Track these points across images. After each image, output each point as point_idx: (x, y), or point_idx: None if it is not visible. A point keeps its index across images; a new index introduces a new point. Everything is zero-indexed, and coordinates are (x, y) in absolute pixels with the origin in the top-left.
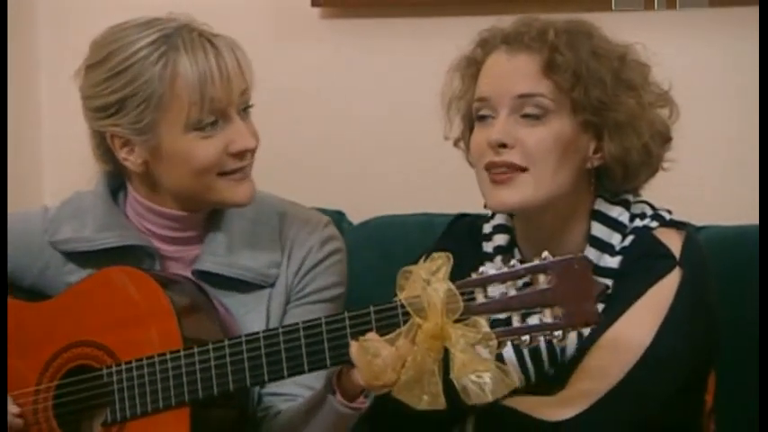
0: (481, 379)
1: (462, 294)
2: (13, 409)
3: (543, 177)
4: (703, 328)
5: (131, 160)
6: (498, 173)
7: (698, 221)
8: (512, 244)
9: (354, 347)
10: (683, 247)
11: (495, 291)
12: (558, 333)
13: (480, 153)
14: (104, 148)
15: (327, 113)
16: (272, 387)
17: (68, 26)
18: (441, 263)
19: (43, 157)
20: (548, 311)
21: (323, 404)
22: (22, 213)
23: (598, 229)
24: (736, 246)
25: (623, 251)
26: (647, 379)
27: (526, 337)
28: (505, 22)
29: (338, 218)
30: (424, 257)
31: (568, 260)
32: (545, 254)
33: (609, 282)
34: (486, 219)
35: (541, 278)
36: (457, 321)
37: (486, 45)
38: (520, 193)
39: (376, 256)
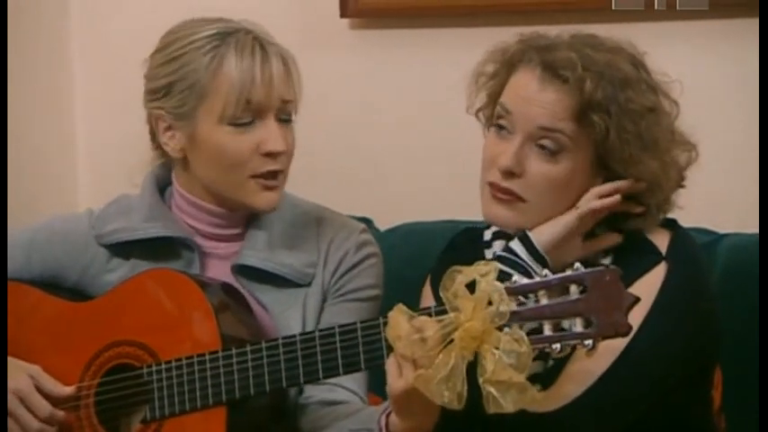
0: (506, 391)
1: None
2: (64, 390)
3: (540, 210)
4: (695, 322)
5: (171, 145)
6: (498, 192)
7: (722, 229)
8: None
9: (389, 323)
10: (670, 244)
11: (527, 300)
12: (589, 342)
13: (488, 165)
14: (155, 133)
15: (356, 122)
16: None
17: (102, 27)
18: (490, 268)
19: (78, 159)
20: (579, 321)
21: None
22: (66, 215)
23: (599, 230)
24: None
25: (615, 250)
26: (628, 372)
27: (557, 346)
28: (544, 30)
29: (365, 224)
30: (430, 274)
31: (600, 271)
32: (577, 264)
33: None
34: (488, 225)
35: (573, 288)
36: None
37: (524, 54)
38: (514, 217)
39: (402, 263)
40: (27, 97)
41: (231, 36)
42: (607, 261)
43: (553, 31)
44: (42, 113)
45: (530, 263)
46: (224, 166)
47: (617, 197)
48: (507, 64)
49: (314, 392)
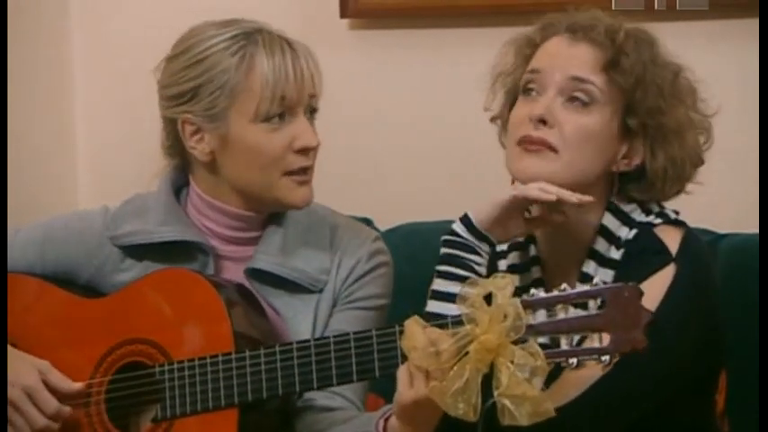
0: (521, 404)
1: None
2: (72, 386)
3: (571, 163)
4: (701, 325)
5: (199, 149)
6: (531, 144)
7: (722, 229)
8: (528, 263)
9: (405, 331)
10: (681, 244)
11: (544, 314)
12: (606, 358)
13: (518, 125)
14: (174, 139)
15: (355, 122)
16: None
17: (102, 27)
18: (507, 281)
19: (78, 159)
20: (596, 336)
21: None
22: (81, 212)
23: (609, 221)
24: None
25: (626, 244)
26: (632, 371)
27: (573, 360)
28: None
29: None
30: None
31: (619, 288)
32: (596, 279)
33: (611, 272)
34: None
35: (591, 303)
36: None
37: (549, 29)
38: (545, 167)
39: (403, 264)
40: (27, 98)
41: (255, 35)
42: (617, 255)
43: None
44: (42, 114)
45: (474, 241)
46: (258, 165)
47: (552, 196)
48: (531, 46)
49: (312, 398)
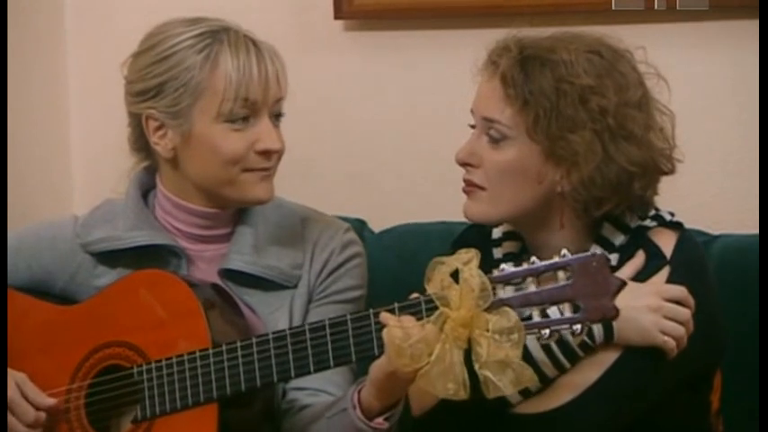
0: (502, 372)
1: None
2: (46, 400)
3: (498, 197)
4: (696, 328)
5: (162, 145)
6: (466, 186)
7: (715, 230)
8: (522, 251)
9: (387, 330)
10: (675, 247)
11: (515, 287)
12: (578, 327)
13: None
14: (138, 134)
15: (350, 124)
16: (296, 381)
17: (96, 32)
18: (471, 255)
19: (73, 166)
20: (567, 306)
21: (343, 415)
22: (51, 221)
23: (607, 230)
24: (753, 253)
25: (620, 248)
26: (626, 374)
27: (546, 331)
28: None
29: (359, 226)
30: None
31: (587, 257)
32: (564, 251)
33: None
34: (497, 224)
35: (561, 275)
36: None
37: (488, 57)
38: (477, 207)
39: (397, 264)
40: (22, 104)
41: (221, 34)
42: (612, 259)
43: (549, 31)
44: (37, 120)
45: None
46: (219, 164)
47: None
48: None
49: (297, 397)
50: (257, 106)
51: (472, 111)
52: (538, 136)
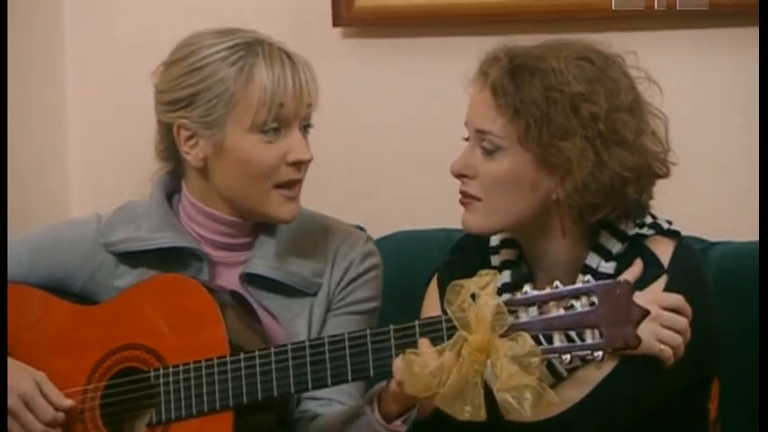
0: (522, 395)
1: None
2: (65, 402)
3: (494, 208)
4: (693, 336)
5: (193, 154)
6: (462, 198)
7: (713, 237)
8: (519, 258)
9: (400, 358)
10: (673, 256)
11: (536, 310)
12: (599, 354)
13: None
14: (167, 143)
15: (348, 131)
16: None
17: (95, 38)
18: (489, 279)
19: (71, 173)
20: (588, 333)
21: (360, 418)
22: (71, 221)
23: (604, 238)
24: (752, 260)
25: (617, 257)
26: (625, 383)
27: (567, 356)
28: (518, 40)
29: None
30: (437, 273)
31: (611, 284)
32: (588, 277)
33: None
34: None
35: (584, 300)
36: (502, 337)
37: (479, 68)
38: (475, 218)
39: (396, 271)
40: (20, 109)
41: (255, 45)
42: (609, 267)
43: (543, 39)
44: (35, 126)
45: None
46: (250, 175)
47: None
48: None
49: (310, 407)
50: (289, 118)
51: (466, 123)
52: (530, 145)
